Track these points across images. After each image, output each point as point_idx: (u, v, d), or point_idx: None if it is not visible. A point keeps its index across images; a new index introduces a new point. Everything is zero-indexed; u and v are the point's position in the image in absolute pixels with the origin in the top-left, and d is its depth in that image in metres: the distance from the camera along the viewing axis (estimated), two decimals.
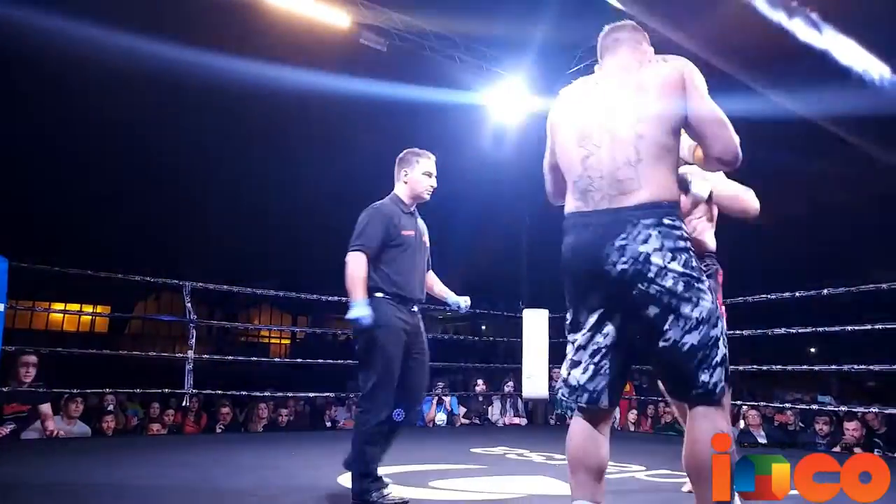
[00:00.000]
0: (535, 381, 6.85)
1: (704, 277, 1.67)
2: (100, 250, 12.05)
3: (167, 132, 11.93)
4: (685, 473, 1.76)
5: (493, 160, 8.96)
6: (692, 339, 1.59)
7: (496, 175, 9.50)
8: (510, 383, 7.40)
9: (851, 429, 5.23)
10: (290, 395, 6.34)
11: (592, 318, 1.71)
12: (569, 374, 1.75)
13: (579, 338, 1.74)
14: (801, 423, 6.09)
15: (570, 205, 1.76)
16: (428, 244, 3.01)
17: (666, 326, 1.60)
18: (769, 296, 5.48)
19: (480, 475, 3.52)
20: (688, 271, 1.62)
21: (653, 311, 1.61)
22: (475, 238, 12.46)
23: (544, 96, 7.63)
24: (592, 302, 1.71)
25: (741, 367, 5.89)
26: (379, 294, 2.73)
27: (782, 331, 5.45)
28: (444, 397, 7.12)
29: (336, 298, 5.80)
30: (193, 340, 5.41)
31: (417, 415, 6.64)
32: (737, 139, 1.69)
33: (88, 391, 5.27)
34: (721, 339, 1.64)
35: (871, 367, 5.09)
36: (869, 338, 5.61)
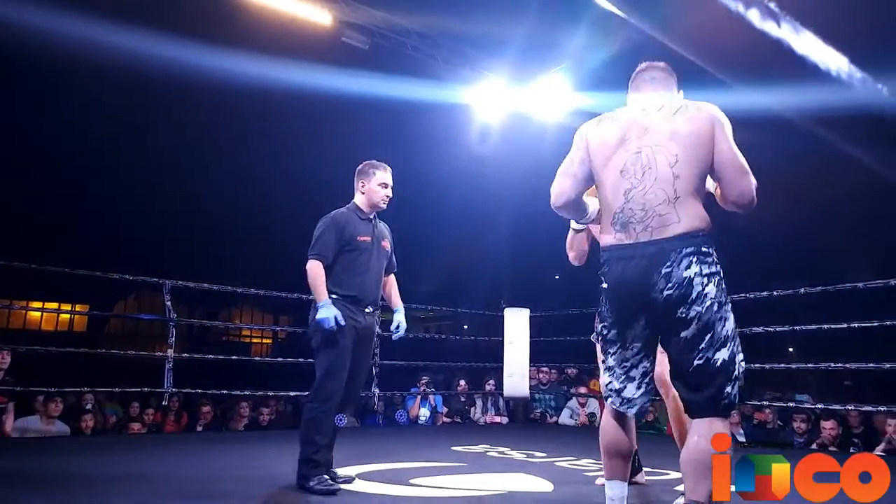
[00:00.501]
0: (516, 379, 6.87)
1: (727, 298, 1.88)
2: (79, 249, 11.88)
3: (145, 129, 11.79)
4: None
5: (475, 159, 8.97)
6: (723, 355, 1.80)
7: (478, 174, 9.51)
8: (491, 382, 7.42)
9: (828, 427, 5.30)
10: (270, 393, 6.30)
11: (640, 342, 1.93)
12: (624, 387, 1.95)
13: (631, 358, 1.94)
14: (779, 422, 6.16)
15: (611, 237, 1.93)
16: (389, 249, 3.24)
17: (702, 345, 1.80)
18: (748, 295, 5.56)
19: (461, 472, 3.53)
20: (718, 293, 1.83)
21: (691, 331, 1.81)
22: (457, 237, 12.48)
23: (525, 93, 7.66)
24: (638, 326, 1.91)
25: None
26: (333, 295, 2.97)
27: (760, 329, 5.53)
28: (429, 394, 7.11)
29: None
30: (174, 339, 5.36)
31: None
32: (754, 185, 1.89)
33: (67, 390, 5.20)
34: (739, 353, 1.85)
35: (848, 364, 5.18)
36: (846, 337, 5.70)
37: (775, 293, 5.54)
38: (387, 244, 3.22)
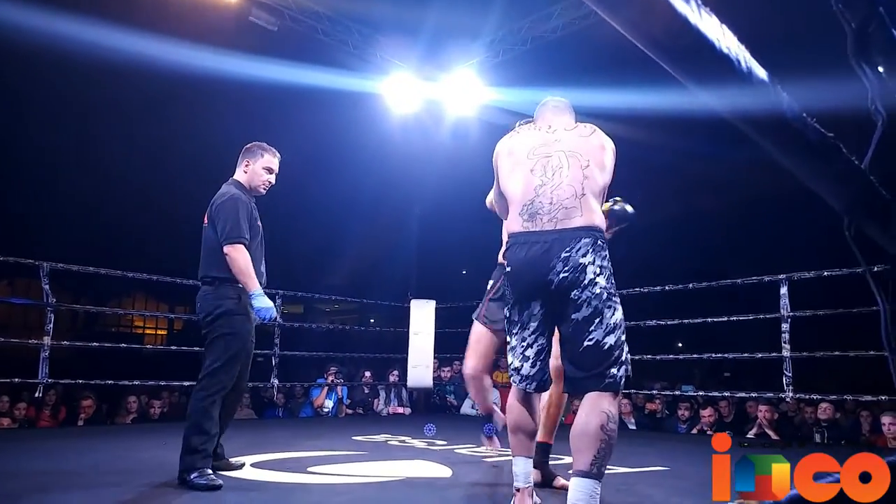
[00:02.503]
0: (419, 370, 6.90)
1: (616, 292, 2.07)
2: None
3: (30, 99, 10.82)
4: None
5: (383, 150, 8.90)
6: (610, 339, 1.96)
7: (387, 165, 9.44)
8: (395, 373, 7.40)
9: (706, 415, 5.78)
10: (163, 383, 5.94)
11: (536, 322, 2.06)
12: (521, 366, 2.10)
13: (528, 338, 2.08)
14: (666, 411, 6.55)
15: (517, 225, 2.08)
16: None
17: (592, 328, 1.95)
18: (642, 289, 5.86)
19: (360, 460, 3.50)
20: (608, 285, 2.01)
21: (583, 314, 1.96)
22: (364, 228, 12.34)
23: (436, 87, 7.68)
24: (535, 306, 2.05)
25: None
26: (238, 283, 2.79)
27: (653, 323, 5.85)
28: (337, 384, 6.97)
29: None
30: (51, 326, 4.93)
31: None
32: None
33: None
34: (625, 342, 2.02)
35: (727, 354, 5.64)
36: (726, 330, 6.13)
37: (667, 287, 5.87)
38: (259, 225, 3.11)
